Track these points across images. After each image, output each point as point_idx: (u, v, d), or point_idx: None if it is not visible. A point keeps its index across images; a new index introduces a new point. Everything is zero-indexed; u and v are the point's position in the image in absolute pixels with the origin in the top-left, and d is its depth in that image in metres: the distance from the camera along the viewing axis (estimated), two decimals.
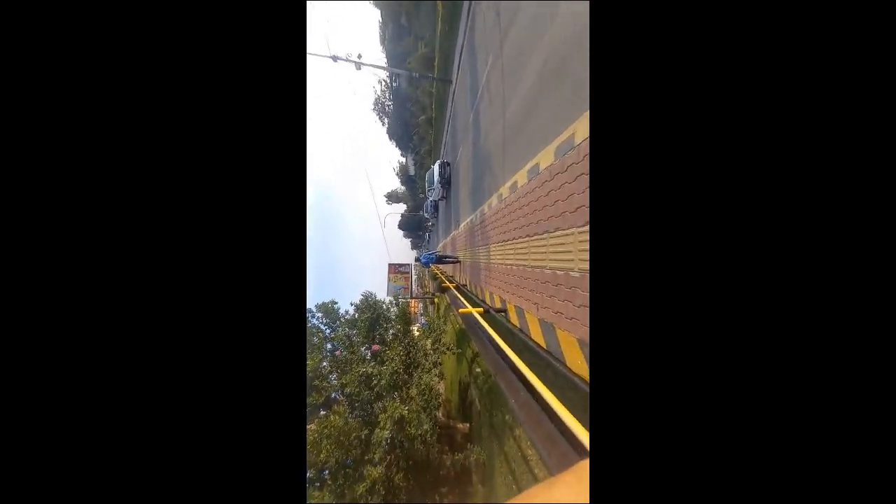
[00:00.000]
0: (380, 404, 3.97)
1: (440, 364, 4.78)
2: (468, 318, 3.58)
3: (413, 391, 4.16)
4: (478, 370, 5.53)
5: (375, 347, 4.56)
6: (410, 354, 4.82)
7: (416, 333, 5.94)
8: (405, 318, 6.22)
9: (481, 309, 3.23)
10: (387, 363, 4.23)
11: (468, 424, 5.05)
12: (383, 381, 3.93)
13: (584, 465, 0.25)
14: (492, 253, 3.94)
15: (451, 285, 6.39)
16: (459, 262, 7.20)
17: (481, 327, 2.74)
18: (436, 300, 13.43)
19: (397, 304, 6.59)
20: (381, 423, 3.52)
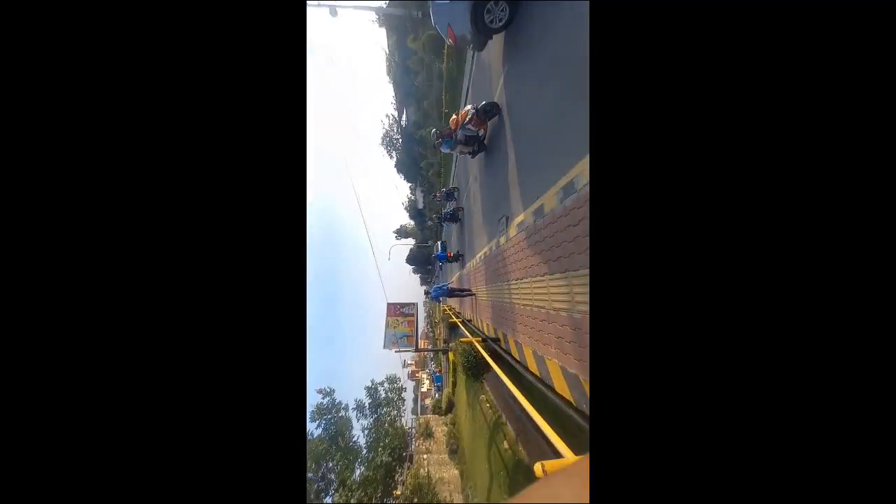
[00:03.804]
0: None
1: None
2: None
3: None
4: None
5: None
6: None
7: None
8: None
9: None
10: None
11: None
12: None
13: (585, 461, 0.26)
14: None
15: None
16: (474, 295, 5.87)
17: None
18: (451, 356, 9.20)
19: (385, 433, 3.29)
20: None
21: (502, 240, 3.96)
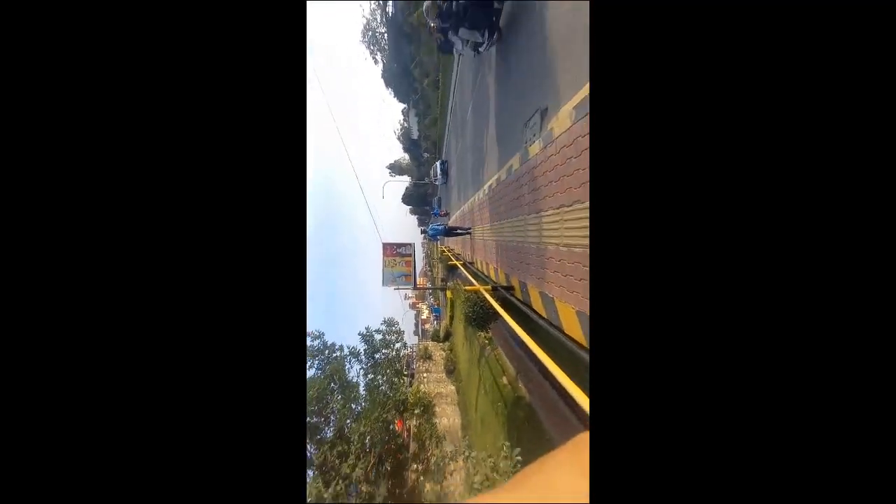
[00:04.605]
0: None
1: None
2: None
3: None
4: None
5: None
6: None
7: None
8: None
9: None
10: None
11: None
12: None
13: (584, 438, 0.25)
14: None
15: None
16: (471, 233, 5.65)
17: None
18: (448, 294, 9.11)
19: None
20: None
21: (533, 148, 2.61)
